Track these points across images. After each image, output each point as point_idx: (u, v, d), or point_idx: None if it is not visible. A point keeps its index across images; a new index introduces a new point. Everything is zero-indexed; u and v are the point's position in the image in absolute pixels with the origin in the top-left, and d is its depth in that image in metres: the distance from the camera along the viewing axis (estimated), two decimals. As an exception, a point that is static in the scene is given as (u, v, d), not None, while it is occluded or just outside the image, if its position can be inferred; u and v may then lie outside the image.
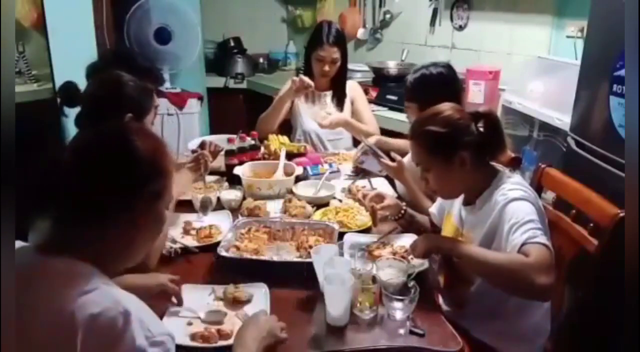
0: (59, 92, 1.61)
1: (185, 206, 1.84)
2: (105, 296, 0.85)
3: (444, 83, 1.94)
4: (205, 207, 1.83)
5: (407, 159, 2.04)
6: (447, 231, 1.61)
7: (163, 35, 3.40)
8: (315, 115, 2.59)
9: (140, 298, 1.04)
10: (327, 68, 2.56)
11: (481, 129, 1.43)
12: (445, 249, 1.41)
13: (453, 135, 1.41)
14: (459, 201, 1.57)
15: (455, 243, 1.38)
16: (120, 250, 0.96)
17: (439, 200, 1.72)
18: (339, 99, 2.67)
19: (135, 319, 0.83)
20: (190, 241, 1.65)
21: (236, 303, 1.33)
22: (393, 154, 2.02)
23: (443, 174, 1.45)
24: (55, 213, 0.90)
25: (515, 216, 1.31)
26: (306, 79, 2.48)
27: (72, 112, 1.63)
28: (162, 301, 1.31)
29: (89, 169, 0.90)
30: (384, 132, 2.67)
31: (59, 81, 1.65)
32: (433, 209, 1.75)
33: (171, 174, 0.99)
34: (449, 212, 1.63)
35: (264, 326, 1.15)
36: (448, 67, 2.00)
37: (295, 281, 1.42)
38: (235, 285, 1.38)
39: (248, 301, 1.34)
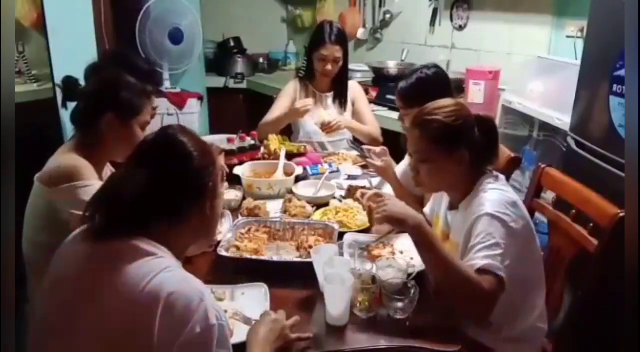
0: (62, 84, 1.62)
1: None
2: (183, 276, 0.95)
3: (440, 82, 1.94)
4: None
5: (403, 164, 2.03)
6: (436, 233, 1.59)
7: (175, 36, 3.43)
8: (317, 118, 2.59)
9: None
10: (329, 67, 2.55)
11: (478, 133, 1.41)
12: (408, 227, 1.29)
13: (461, 130, 1.38)
14: (444, 204, 1.57)
15: (421, 226, 1.28)
16: (193, 234, 1.08)
17: (432, 201, 1.72)
18: (341, 100, 2.66)
19: (209, 300, 0.93)
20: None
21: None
22: (379, 151, 2.02)
23: (439, 167, 1.42)
24: (135, 209, 0.99)
25: (483, 235, 1.28)
26: (306, 101, 2.51)
27: (73, 106, 1.62)
28: None
29: (161, 177, 1.01)
30: (384, 132, 2.68)
31: (59, 81, 1.66)
32: (427, 209, 1.75)
33: (219, 160, 1.11)
34: (437, 216, 1.63)
35: (276, 328, 1.17)
36: (437, 66, 1.99)
37: (295, 281, 1.42)
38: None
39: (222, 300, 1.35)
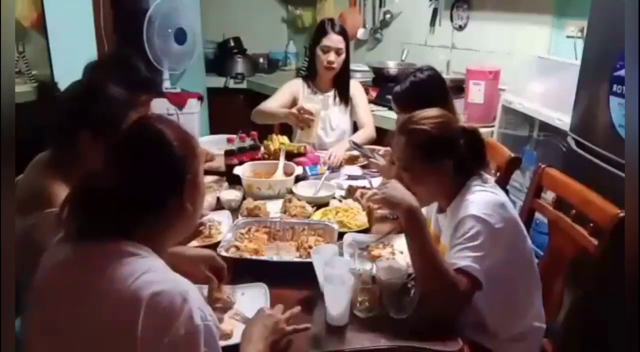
0: (37, 89, 1.53)
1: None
2: (165, 276, 0.93)
3: (435, 85, 1.94)
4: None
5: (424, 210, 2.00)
6: None
7: (179, 36, 3.45)
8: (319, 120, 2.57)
9: (189, 266, 1.29)
10: (332, 57, 2.54)
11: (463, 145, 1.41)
12: (401, 211, 1.31)
13: (445, 141, 1.39)
14: (435, 207, 1.57)
15: (414, 212, 1.30)
16: (174, 230, 1.04)
17: None
18: (341, 98, 2.66)
19: (193, 299, 0.90)
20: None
21: (222, 308, 1.32)
22: (382, 152, 2.01)
23: (421, 176, 1.41)
24: (112, 207, 0.95)
25: (465, 235, 1.29)
26: (307, 107, 2.42)
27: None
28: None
29: (136, 169, 0.97)
30: (385, 132, 2.67)
31: (59, 81, 1.64)
32: (423, 210, 1.74)
33: (199, 148, 1.06)
34: (429, 218, 1.64)
35: (269, 324, 1.17)
36: (432, 69, 1.98)
37: (295, 281, 1.42)
38: (213, 288, 1.35)
39: (232, 303, 1.34)
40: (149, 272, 0.91)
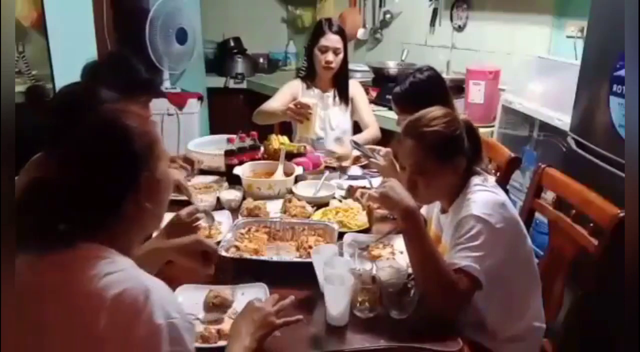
0: (25, 94, 1.51)
1: (184, 206, 1.83)
2: (129, 276, 0.87)
3: (434, 85, 1.94)
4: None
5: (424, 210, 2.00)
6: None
7: (180, 36, 3.46)
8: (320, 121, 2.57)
9: (177, 256, 1.23)
10: (330, 57, 2.53)
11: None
12: (398, 211, 1.30)
13: (456, 138, 1.39)
14: (437, 207, 1.57)
15: (412, 213, 1.29)
16: (137, 229, 0.98)
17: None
18: (340, 97, 2.66)
19: (156, 297, 0.85)
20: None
21: (222, 307, 1.33)
22: (383, 153, 2.01)
23: (437, 177, 1.40)
24: (68, 207, 0.90)
25: (466, 235, 1.29)
26: (304, 101, 2.41)
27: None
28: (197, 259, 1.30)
29: (92, 164, 0.90)
30: (385, 132, 2.67)
31: (59, 81, 1.64)
32: (423, 210, 1.74)
33: (160, 140, 0.98)
34: (430, 217, 1.64)
35: (257, 318, 1.14)
36: (431, 69, 1.98)
37: (295, 281, 1.41)
38: (212, 290, 1.36)
39: (231, 302, 1.34)
40: (115, 272, 0.86)
